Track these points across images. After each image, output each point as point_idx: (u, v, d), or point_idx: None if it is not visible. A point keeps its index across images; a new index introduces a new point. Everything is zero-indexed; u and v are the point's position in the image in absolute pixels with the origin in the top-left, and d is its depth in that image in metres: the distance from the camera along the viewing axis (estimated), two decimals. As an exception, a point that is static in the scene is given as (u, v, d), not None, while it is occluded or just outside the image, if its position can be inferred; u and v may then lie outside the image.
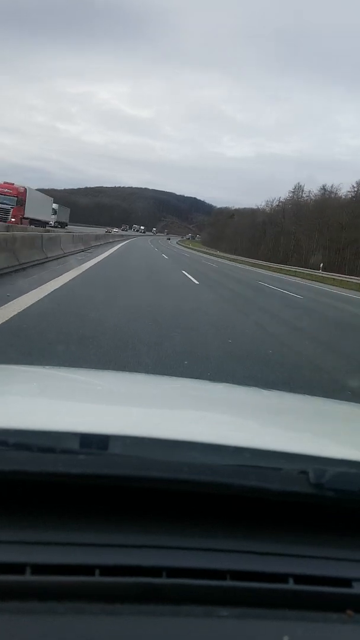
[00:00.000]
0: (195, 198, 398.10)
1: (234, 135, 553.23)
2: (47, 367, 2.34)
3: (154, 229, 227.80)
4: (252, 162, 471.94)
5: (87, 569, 0.65)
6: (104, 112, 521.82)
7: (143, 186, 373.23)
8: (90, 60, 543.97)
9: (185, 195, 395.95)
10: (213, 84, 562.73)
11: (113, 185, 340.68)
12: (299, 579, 0.70)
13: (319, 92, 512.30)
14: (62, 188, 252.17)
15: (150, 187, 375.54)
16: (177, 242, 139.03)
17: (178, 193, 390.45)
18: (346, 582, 0.71)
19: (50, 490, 0.73)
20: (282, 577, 0.70)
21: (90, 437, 0.78)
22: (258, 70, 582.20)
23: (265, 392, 1.90)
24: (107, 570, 0.66)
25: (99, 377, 1.72)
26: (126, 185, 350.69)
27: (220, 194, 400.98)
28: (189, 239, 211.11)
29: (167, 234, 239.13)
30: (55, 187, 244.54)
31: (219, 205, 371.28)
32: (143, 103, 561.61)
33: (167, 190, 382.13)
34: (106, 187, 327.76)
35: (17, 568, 0.64)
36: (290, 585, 0.69)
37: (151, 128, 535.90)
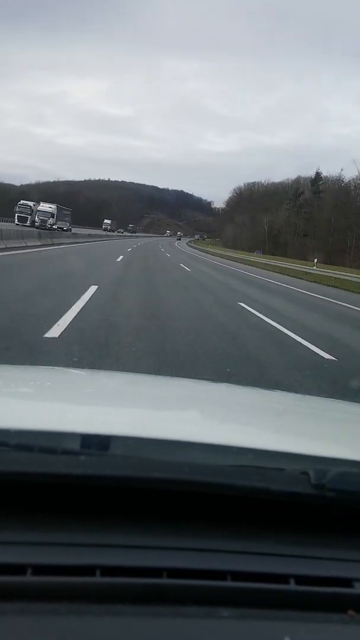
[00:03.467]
0: (182, 191, 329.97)
1: (219, 129, 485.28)
2: (48, 367, 2.51)
3: (107, 221, 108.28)
4: (240, 157, 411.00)
5: (88, 570, 0.65)
6: (81, 113, 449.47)
7: (120, 179, 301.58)
8: (63, 54, 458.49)
9: (171, 188, 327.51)
10: (195, 75, 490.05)
11: (82, 179, 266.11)
12: (300, 579, 0.69)
13: (307, 80, 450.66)
14: (20, 184, 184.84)
15: (128, 180, 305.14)
16: (187, 243, 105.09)
17: (161, 187, 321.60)
18: (347, 583, 0.71)
19: (51, 491, 0.73)
20: (283, 578, 0.69)
21: (92, 437, 0.78)
22: (241, 59, 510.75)
23: (266, 392, 1.88)
24: (108, 570, 0.65)
25: (99, 378, 1.74)
26: (97, 179, 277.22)
27: (210, 192, 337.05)
28: (197, 239, 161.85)
29: (128, 231, 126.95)
30: (14, 183, 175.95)
31: (209, 199, 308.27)
32: (122, 101, 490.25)
33: (150, 184, 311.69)
34: (72, 181, 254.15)
35: (18, 569, 0.64)
36: (292, 585, 0.69)
37: (132, 127, 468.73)
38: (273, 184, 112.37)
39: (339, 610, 0.67)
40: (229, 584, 0.67)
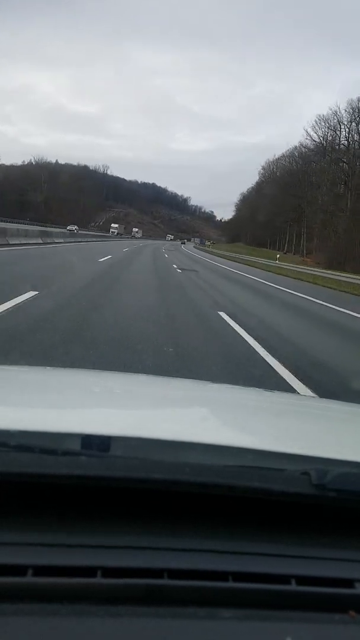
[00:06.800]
0: (154, 184, 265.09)
1: (193, 126, 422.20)
2: (49, 367, 2.41)
3: None
4: (215, 155, 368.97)
5: (89, 571, 0.65)
6: (45, 110, 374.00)
7: (72, 162, 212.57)
8: (25, 43, 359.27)
9: (140, 181, 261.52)
10: (167, 70, 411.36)
11: (18, 161, 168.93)
12: (301, 580, 0.69)
13: (282, 77, 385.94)
14: None
15: (82, 162, 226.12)
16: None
17: (129, 178, 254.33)
18: (348, 583, 0.71)
19: (52, 491, 0.73)
20: (284, 578, 0.69)
21: (92, 438, 0.78)
22: (216, 54, 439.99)
23: (267, 393, 1.87)
24: (109, 571, 0.65)
25: (100, 378, 1.72)
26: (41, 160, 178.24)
27: (185, 190, 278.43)
28: (199, 244, 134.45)
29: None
30: None
31: (186, 195, 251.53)
32: (89, 97, 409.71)
33: (114, 174, 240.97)
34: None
35: (18, 569, 0.64)
36: (293, 586, 0.69)
37: (99, 125, 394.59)
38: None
39: (340, 610, 0.67)
40: (230, 584, 0.67)
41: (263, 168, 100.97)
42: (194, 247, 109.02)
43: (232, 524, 0.76)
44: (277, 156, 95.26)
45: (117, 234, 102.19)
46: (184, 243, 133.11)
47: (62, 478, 0.71)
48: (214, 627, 0.62)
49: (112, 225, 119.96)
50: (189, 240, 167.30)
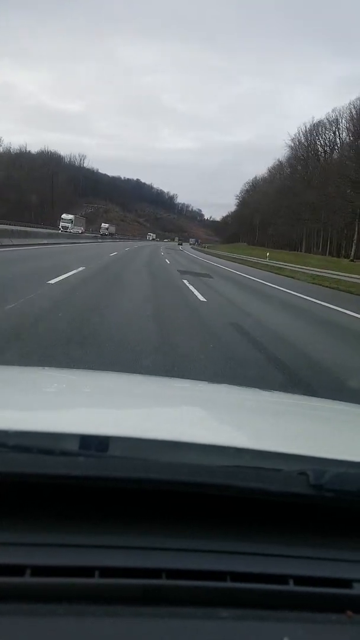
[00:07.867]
0: (138, 180, 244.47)
1: (178, 126, 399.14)
2: (47, 368, 2.46)
3: None
4: (200, 154, 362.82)
5: (87, 571, 0.65)
6: (27, 108, 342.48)
7: (47, 148, 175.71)
8: (4, 38, 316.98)
9: (123, 177, 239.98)
10: (152, 68, 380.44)
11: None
12: (299, 580, 0.70)
13: (268, 76, 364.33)
14: None
15: (50, 148, 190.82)
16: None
17: (112, 174, 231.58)
18: (346, 583, 0.71)
19: (50, 491, 0.73)
20: (282, 578, 0.70)
21: (90, 438, 0.78)
22: (201, 51, 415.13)
23: (264, 393, 1.88)
24: (106, 571, 0.65)
25: (98, 378, 1.73)
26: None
27: (170, 188, 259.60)
28: (194, 244, 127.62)
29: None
30: None
31: (173, 192, 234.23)
32: (72, 95, 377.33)
33: (93, 168, 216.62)
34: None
35: (17, 570, 0.64)
36: (290, 586, 0.69)
37: (83, 123, 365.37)
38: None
39: (338, 610, 0.67)
40: (228, 584, 0.67)
41: (294, 140, 74.80)
42: (191, 247, 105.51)
43: (230, 524, 0.76)
44: (316, 120, 72.50)
45: (69, 225, 65.86)
46: (181, 244, 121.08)
47: (60, 478, 0.71)
48: (212, 627, 0.62)
49: (63, 216, 71.67)
50: (185, 240, 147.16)
